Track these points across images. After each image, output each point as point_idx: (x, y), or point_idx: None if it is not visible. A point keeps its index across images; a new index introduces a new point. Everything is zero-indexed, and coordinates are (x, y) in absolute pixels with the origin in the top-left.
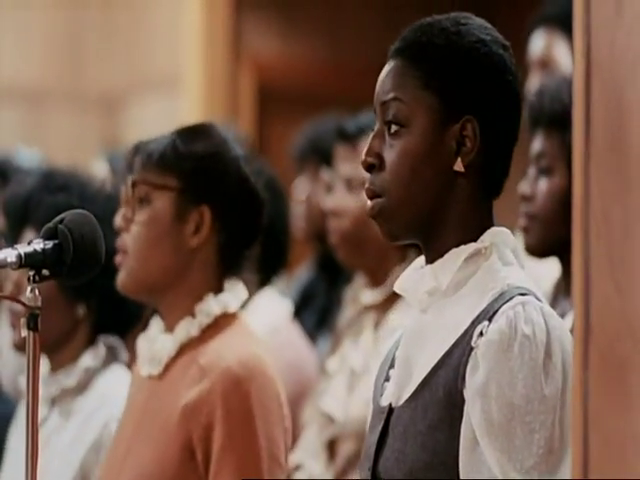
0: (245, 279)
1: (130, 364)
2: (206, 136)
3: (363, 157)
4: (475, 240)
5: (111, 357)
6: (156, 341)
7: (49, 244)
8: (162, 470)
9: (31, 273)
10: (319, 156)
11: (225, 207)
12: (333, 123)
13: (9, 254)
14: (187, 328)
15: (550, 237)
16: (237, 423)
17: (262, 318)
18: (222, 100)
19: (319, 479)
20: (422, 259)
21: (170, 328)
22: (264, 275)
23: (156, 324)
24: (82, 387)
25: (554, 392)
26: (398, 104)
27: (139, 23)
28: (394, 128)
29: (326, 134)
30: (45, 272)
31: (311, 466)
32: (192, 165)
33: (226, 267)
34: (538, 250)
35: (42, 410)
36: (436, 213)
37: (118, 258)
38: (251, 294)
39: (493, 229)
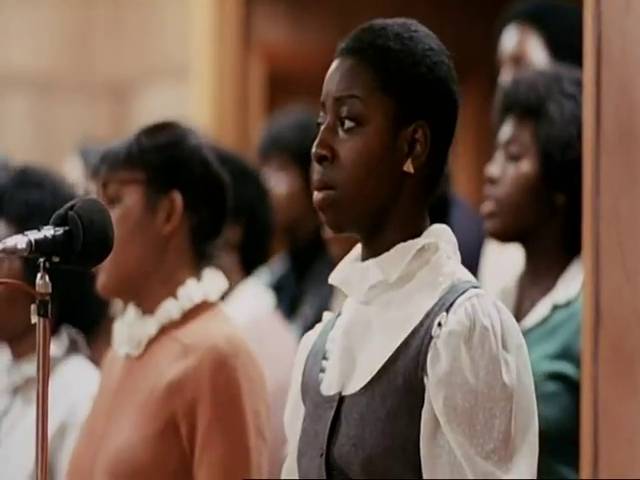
0: (228, 270)
1: (92, 358)
2: (167, 130)
3: (314, 149)
4: (417, 236)
5: (72, 348)
6: (134, 323)
7: (59, 231)
8: (144, 446)
9: (42, 260)
10: (282, 150)
11: (193, 192)
12: (294, 117)
13: (19, 241)
14: (169, 310)
15: (515, 222)
16: (224, 399)
17: (244, 309)
18: (232, 89)
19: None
20: (356, 253)
21: (148, 310)
22: (247, 266)
23: (131, 309)
24: None
25: (511, 381)
26: (354, 101)
27: (149, 12)
28: (349, 124)
29: (287, 128)
30: (55, 259)
31: None
32: (157, 156)
33: (199, 252)
34: (502, 234)
35: (3, 400)
36: (383, 209)
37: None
38: (234, 285)
39: (435, 226)
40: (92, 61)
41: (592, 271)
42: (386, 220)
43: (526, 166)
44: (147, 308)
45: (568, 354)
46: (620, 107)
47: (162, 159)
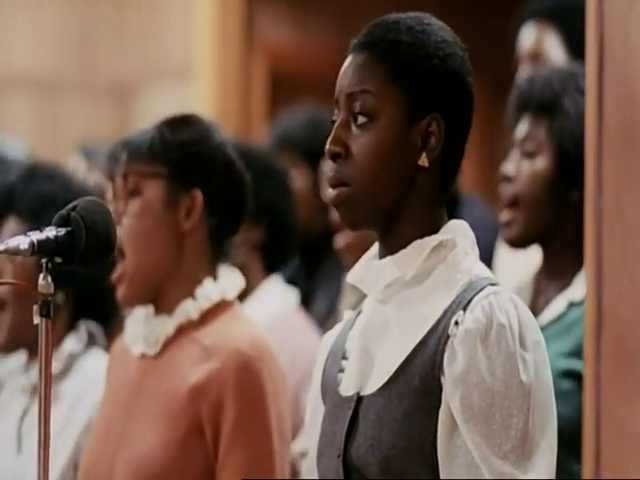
0: (249, 270)
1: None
2: (191, 125)
3: (327, 146)
4: (434, 233)
5: (90, 342)
6: (150, 321)
7: (62, 231)
8: (167, 450)
9: (44, 260)
10: (292, 148)
11: (214, 190)
12: (304, 114)
13: (22, 241)
14: (187, 310)
15: (533, 225)
16: (249, 401)
17: (269, 305)
18: (235, 89)
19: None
20: (375, 251)
21: (165, 310)
22: (268, 266)
23: (143, 307)
24: (65, 371)
25: (529, 379)
26: (367, 97)
27: (151, 12)
28: (361, 120)
29: (297, 126)
30: (58, 259)
31: None
32: (179, 151)
33: (217, 251)
34: (521, 241)
35: (22, 401)
36: (398, 205)
37: (116, 272)
38: (256, 285)
39: (452, 222)
40: (95, 61)
41: (594, 271)
42: (401, 216)
43: (541, 163)
44: (163, 307)
45: (583, 352)
46: (623, 105)
47: (185, 155)
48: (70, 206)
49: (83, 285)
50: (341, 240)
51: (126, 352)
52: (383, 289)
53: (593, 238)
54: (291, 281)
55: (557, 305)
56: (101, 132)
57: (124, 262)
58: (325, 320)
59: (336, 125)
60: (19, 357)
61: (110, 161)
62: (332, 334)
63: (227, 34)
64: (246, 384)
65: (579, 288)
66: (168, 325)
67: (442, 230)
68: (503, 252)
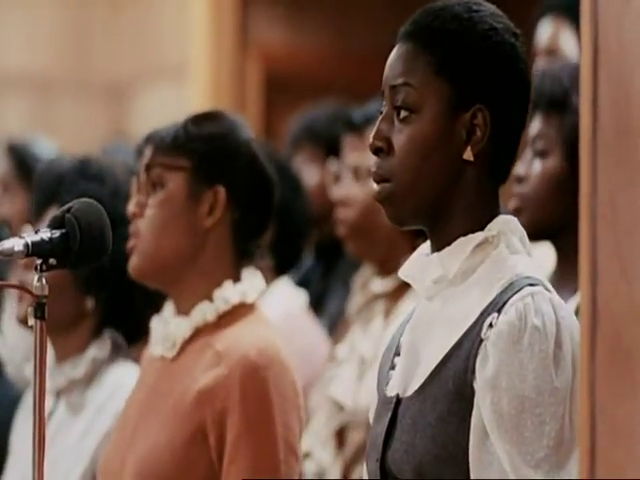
0: (261, 267)
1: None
2: (217, 120)
3: (371, 140)
4: (482, 228)
5: (117, 351)
6: (170, 322)
7: (56, 233)
8: (171, 452)
9: (38, 262)
10: (314, 140)
11: (238, 188)
12: (329, 108)
13: (16, 243)
14: (204, 312)
15: (542, 220)
16: (254, 410)
17: (277, 305)
18: (229, 89)
19: (327, 467)
20: (427, 245)
21: (184, 311)
22: (279, 267)
23: (169, 307)
24: (89, 379)
25: (564, 383)
26: (408, 89)
27: (147, 12)
28: (403, 114)
29: (321, 119)
30: (52, 261)
31: (319, 454)
32: (204, 146)
33: (240, 251)
34: (529, 232)
35: (48, 403)
36: (443, 200)
37: (130, 243)
38: (267, 282)
39: (500, 217)
40: (90, 61)
41: (589, 269)
42: (449, 212)
43: (552, 161)
44: (183, 307)
45: None
46: (617, 102)
47: (209, 150)
48: (65, 208)
49: (116, 294)
50: (351, 248)
51: (152, 356)
52: (429, 286)
53: (587, 236)
54: (305, 281)
55: (569, 306)
56: (96, 132)
57: (139, 238)
58: (339, 317)
59: (379, 119)
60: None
61: (137, 155)
62: (394, 327)
63: (221, 35)
64: (251, 392)
65: None
66: (185, 327)
67: (489, 226)
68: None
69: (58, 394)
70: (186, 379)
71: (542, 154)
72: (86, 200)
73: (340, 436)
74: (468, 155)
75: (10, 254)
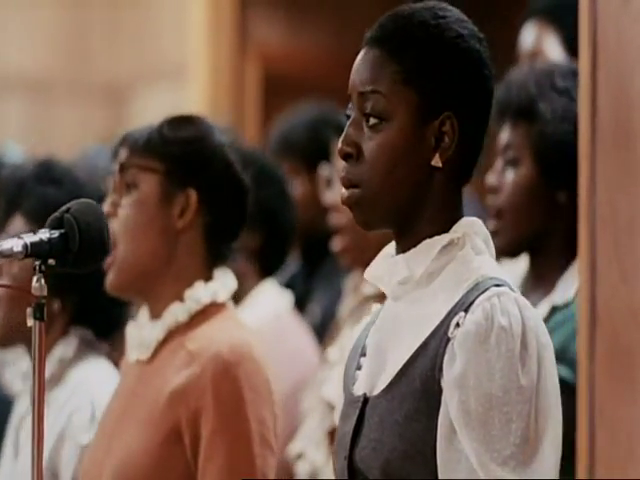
0: (246, 275)
1: (115, 362)
2: (192, 123)
3: (340, 146)
4: (447, 230)
5: (85, 348)
6: (144, 327)
7: (55, 233)
8: (148, 454)
9: (37, 263)
10: (292, 155)
11: (210, 192)
12: (304, 118)
13: (15, 244)
14: (175, 313)
15: (519, 233)
16: (228, 406)
17: (264, 307)
18: (228, 90)
19: (320, 467)
20: (392, 247)
21: (157, 314)
22: (264, 271)
23: (143, 312)
24: (57, 379)
25: (530, 383)
26: (378, 97)
27: (146, 14)
28: (373, 121)
29: (297, 131)
30: (51, 262)
31: (313, 455)
32: (178, 149)
33: (212, 253)
34: (509, 250)
35: (21, 407)
36: (411, 205)
37: (108, 260)
38: (253, 284)
39: (465, 219)
40: (88, 63)
41: (588, 270)
42: (416, 215)
43: (524, 170)
44: (156, 310)
45: (563, 357)
46: (616, 103)
47: (183, 153)
48: (64, 208)
49: (82, 293)
50: (339, 242)
51: (130, 360)
52: (395, 287)
53: (586, 236)
54: (289, 284)
55: (540, 310)
56: (94, 134)
57: (116, 250)
58: (321, 323)
59: (348, 124)
60: (21, 361)
61: (112, 155)
62: (359, 328)
63: (220, 36)
64: (224, 390)
65: (561, 292)
66: (158, 329)
67: (454, 228)
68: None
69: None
70: (160, 381)
71: (513, 163)
72: (85, 200)
73: (333, 436)
74: (437, 161)
75: (9, 255)
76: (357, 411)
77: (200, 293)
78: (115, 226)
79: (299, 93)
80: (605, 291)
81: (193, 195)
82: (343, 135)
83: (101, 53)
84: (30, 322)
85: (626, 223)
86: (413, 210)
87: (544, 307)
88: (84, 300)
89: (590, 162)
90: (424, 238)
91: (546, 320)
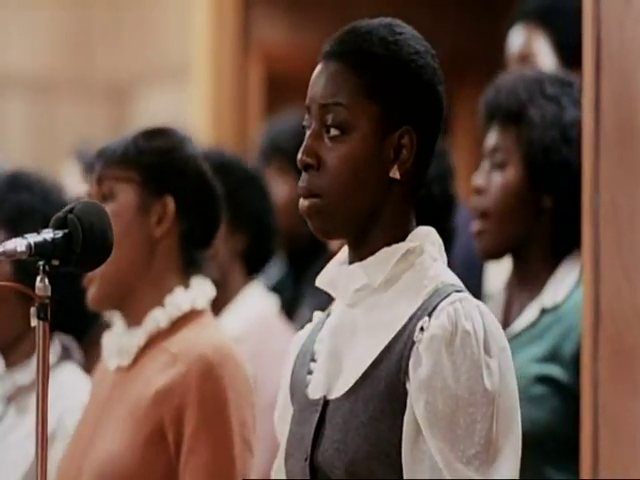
0: (232, 277)
1: (85, 365)
2: (165, 135)
3: (299, 156)
4: (403, 239)
5: (64, 355)
6: (123, 334)
7: (59, 234)
8: (131, 453)
9: (41, 263)
10: (281, 155)
11: (185, 199)
12: (293, 120)
13: (19, 244)
14: (157, 319)
15: (503, 236)
16: (211, 406)
17: (249, 310)
18: (231, 90)
19: None
20: (343, 256)
21: (135, 322)
22: (250, 270)
23: (119, 320)
24: (35, 383)
25: (493, 385)
26: (339, 109)
27: (148, 13)
28: (334, 132)
29: (286, 132)
30: (55, 262)
31: None
32: (152, 159)
33: (187, 260)
34: (494, 252)
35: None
36: (369, 215)
37: (87, 275)
38: (239, 287)
39: (420, 229)
40: (91, 62)
41: (592, 270)
42: (373, 225)
43: (511, 173)
44: (134, 318)
45: (556, 357)
46: (619, 104)
47: (157, 163)
48: (67, 208)
49: (59, 297)
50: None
51: (106, 369)
52: (352, 294)
53: (590, 236)
54: (278, 287)
55: (529, 313)
56: (97, 133)
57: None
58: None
59: (308, 135)
60: None
61: (87, 168)
62: (302, 335)
63: (223, 36)
64: (208, 390)
65: (551, 294)
66: (139, 335)
67: (410, 237)
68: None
69: (9, 400)
70: (142, 383)
71: (501, 166)
72: (88, 201)
73: None
74: (395, 173)
75: (13, 255)
76: (317, 414)
77: (180, 299)
78: None
79: (302, 92)
80: (608, 291)
81: (170, 202)
82: (303, 146)
83: (104, 52)
84: (34, 322)
85: (629, 223)
86: (370, 220)
87: (533, 309)
88: (59, 303)
89: (593, 162)
90: (381, 247)
91: (535, 322)
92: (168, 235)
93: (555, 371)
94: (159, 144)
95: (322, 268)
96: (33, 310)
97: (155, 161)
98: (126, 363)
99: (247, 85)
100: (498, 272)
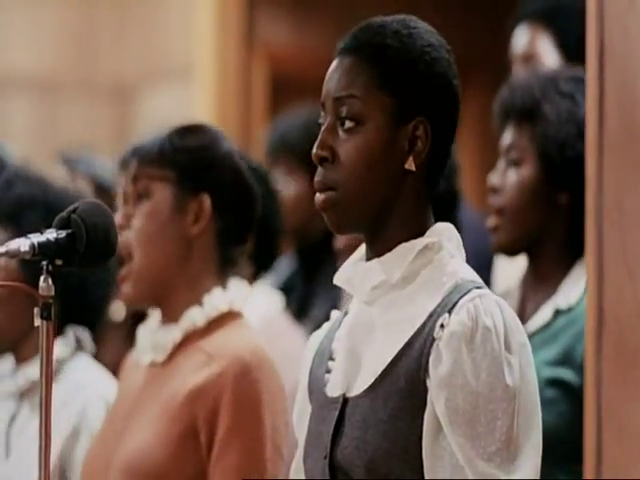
0: (240, 274)
1: (97, 356)
2: (199, 132)
3: (314, 150)
4: (421, 235)
5: (78, 347)
6: (158, 330)
7: (62, 233)
8: (162, 449)
9: (44, 262)
10: (289, 153)
11: (221, 196)
12: (300, 118)
13: (22, 244)
14: (194, 317)
15: (520, 232)
16: (245, 409)
17: (255, 310)
18: (235, 90)
19: None
20: (361, 253)
21: (171, 319)
22: (256, 269)
23: (155, 315)
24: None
25: (514, 382)
26: (353, 101)
27: (152, 13)
28: (348, 124)
29: (294, 130)
30: (58, 261)
31: None
32: (188, 156)
33: (224, 258)
34: (508, 248)
35: (10, 405)
36: (385, 208)
37: (123, 271)
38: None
39: (438, 224)
40: (95, 62)
41: (595, 270)
42: (389, 219)
43: (526, 170)
44: (171, 315)
45: (568, 360)
46: (623, 104)
47: (193, 161)
48: (70, 208)
49: (70, 290)
50: (341, 240)
51: (137, 363)
52: (369, 291)
53: (594, 236)
54: (288, 286)
55: (543, 313)
56: (100, 133)
57: (131, 262)
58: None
59: (323, 129)
60: (6, 361)
61: (120, 166)
62: (319, 334)
63: (227, 35)
64: (243, 391)
65: (565, 295)
66: (175, 332)
67: (428, 233)
68: (502, 261)
69: (21, 396)
70: (176, 381)
71: (516, 163)
72: (91, 200)
73: None
74: (410, 165)
75: (16, 255)
76: (336, 412)
77: (218, 300)
78: (129, 237)
79: (306, 92)
80: (612, 291)
81: (207, 200)
82: (318, 140)
83: (108, 52)
84: (37, 322)
85: (633, 223)
86: (386, 213)
87: (547, 310)
88: (72, 296)
89: (597, 162)
90: (398, 242)
91: (549, 323)
92: (204, 233)
93: (567, 374)
94: (194, 141)
95: (333, 268)
96: (37, 310)
97: (191, 159)
98: (160, 359)
99: (251, 85)
100: (506, 271)
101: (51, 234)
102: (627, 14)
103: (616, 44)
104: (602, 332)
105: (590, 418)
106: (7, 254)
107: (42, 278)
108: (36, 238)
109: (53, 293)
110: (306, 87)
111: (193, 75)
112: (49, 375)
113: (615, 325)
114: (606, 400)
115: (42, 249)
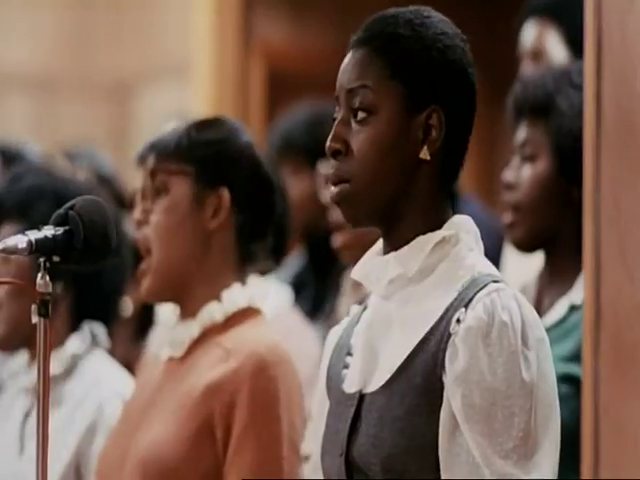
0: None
1: (112, 351)
2: (218, 125)
3: (328, 143)
4: (438, 228)
5: (94, 343)
6: (176, 326)
7: (60, 230)
8: (178, 444)
9: (42, 259)
10: (294, 154)
11: (241, 190)
12: (304, 116)
13: (20, 240)
14: (212, 312)
15: (538, 230)
16: (262, 405)
17: (266, 306)
18: (232, 88)
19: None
20: (379, 246)
21: (190, 314)
22: (265, 264)
23: (174, 310)
24: (68, 373)
25: (531, 377)
26: (366, 91)
27: (150, 11)
28: (361, 115)
29: (298, 130)
30: (56, 258)
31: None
32: (207, 151)
33: (244, 253)
34: (526, 244)
35: (24, 401)
36: (400, 200)
37: (142, 265)
38: None
39: (457, 217)
40: (92, 61)
41: (592, 268)
42: (404, 211)
43: (541, 165)
44: (189, 310)
45: (580, 357)
46: (621, 101)
47: (211, 154)
48: (68, 205)
49: (84, 285)
50: (339, 238)
51: (156, 358)
52: (386, 285)
53: (591, 235)
54: (297, 283)
55: (558, 309)
56: (98, 132)
57: (150, 257)
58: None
59: (336, 122)
60: (20, 357)
61: (138, 162)
62: (338, 329)
63: (225, 33)
64: (261, 387)
65: (580, 290)
66: (193, 327)
67: (446, 225)
68: (511, 255)
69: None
70: (193, 376)
71: (531, 159)
72: (89, 197)
73: None
74: (424, 154)
75: (14, 251)
76: (352, 408)
77: (237, 296)
78: (148, 232)
79: (303, 91)
80: (610, 289)
81: (226, 194)
82: (331, 133)
83: (105, 51)
84: (35, 319)
85: (631, 221)
86: (402, 205)
87: (562, 306)
88: (86, 291)
89: (594, 160)
90: (414, 235)
91: (564, 319)
92: (223, 227)
93: (579, 370)
94: (212, 135)
95: (342, 266)
96: (34, 307)
97: (209, 153)
98: (178, 354)
99: (248, 83)
100: (517, 268)
101: (49, 231)
102: (625, 11)
103: (614, 41)
104: (599, 330)
105: (588, 417)
106: (4, 251)
107: (39, 275)
108: (33, 235)
109: (50, 290)
110: (303, 85)
111: (191, 73)
112: (47, 372)
113: (613, 322)
114: (604, 399)
115: (39, 246)
